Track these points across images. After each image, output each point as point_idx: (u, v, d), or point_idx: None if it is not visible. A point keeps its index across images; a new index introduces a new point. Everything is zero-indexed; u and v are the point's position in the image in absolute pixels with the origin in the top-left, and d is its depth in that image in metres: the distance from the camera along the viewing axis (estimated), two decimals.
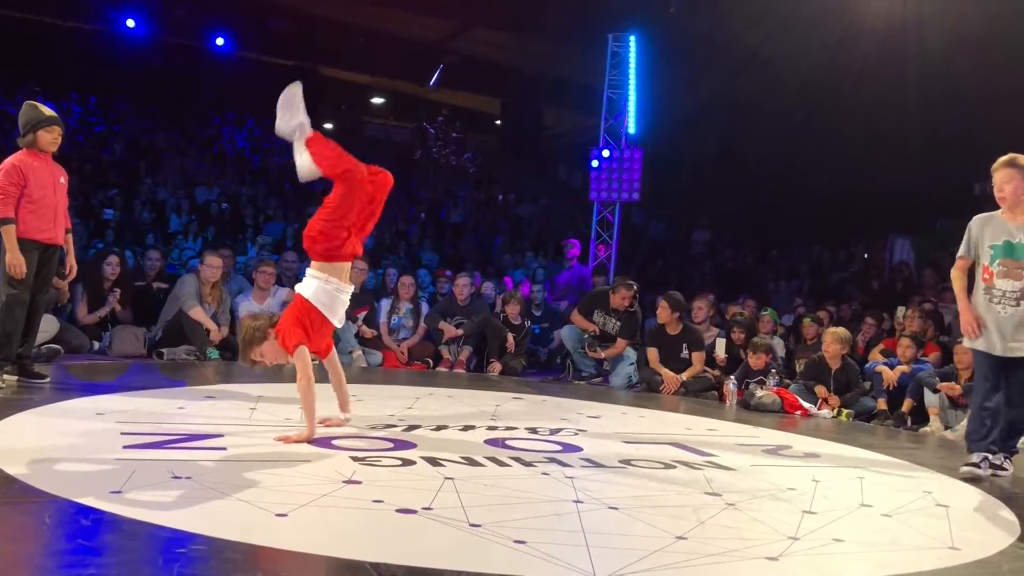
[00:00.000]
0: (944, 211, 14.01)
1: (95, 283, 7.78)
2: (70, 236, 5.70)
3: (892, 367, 7.25)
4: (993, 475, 4.51)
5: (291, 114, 4.45)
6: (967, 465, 4.58)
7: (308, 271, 4.36)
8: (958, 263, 4.76)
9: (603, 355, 8.37)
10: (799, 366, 7.92)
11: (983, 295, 4.62)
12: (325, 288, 4.27)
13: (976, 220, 4.73)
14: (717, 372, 8.04)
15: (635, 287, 8.51)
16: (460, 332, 8.53)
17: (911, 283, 11.85)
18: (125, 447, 3.73)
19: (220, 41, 18.40)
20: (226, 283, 8.34)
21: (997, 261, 4.58)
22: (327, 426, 4.44)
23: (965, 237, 4.74)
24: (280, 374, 6.94)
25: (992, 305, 4.57)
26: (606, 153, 12.81)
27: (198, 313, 7.57)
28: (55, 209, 5.37)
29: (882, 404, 7.15)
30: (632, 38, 12.99)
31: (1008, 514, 3.77)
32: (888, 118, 13.68)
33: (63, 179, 5.49)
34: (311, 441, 4.09)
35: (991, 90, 12.19)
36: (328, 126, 23.42)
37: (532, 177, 21.50)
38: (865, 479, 4.32)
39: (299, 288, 4.34)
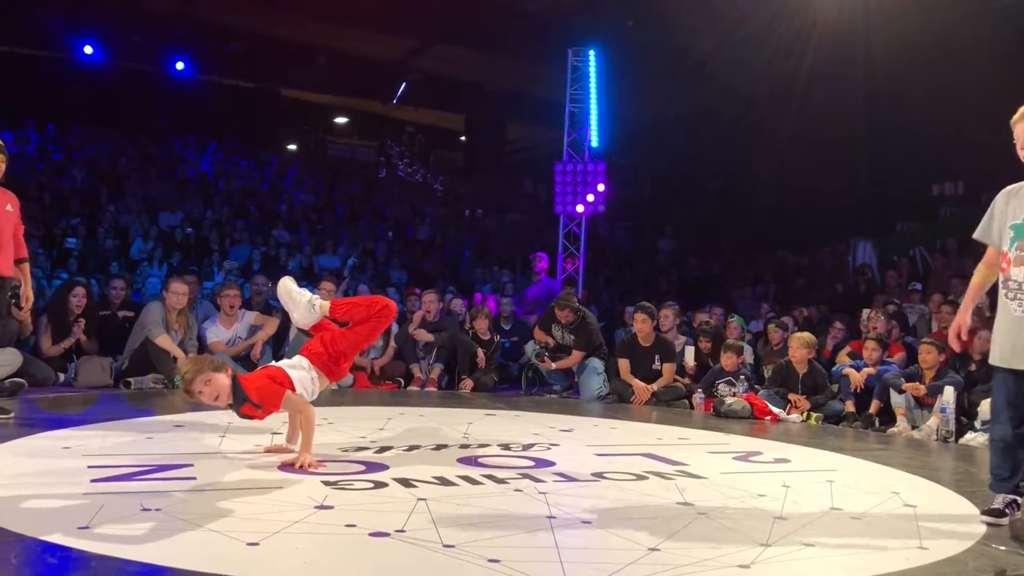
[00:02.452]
0: (903, 213, 14.27)
1: (60, 314, 7.67)
2: (26, 265, 5.59)
3: (858, 369, 7.34)
4: None
5: (296, 304, 4.67)
6: (989, 514, 3.60)
7: (300, 359, 4.46)
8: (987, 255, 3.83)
9: (554, 366, 8.44)
10: (767, 372, 8.00)
11: (1000, 290, 3.66)
12: (307, 380, 4.40)
13: (1002, 194, 3.76)
14: (687, 380, 8.10)
15: (564, 301, 8.58)
16: (431, 337, 8.52)
17: (874, 285, 12.02)
18: (93, 480, 3.68)
19: (180, 65, 18.31)
20: (192, 309, 8.27)
21: (1015, 244, 3.63)
22: (275, 452, 4.46)
23: (987, 215, 3.80)
24: None
25: (1008, 302, 3.61)
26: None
27: (165, 341, 7.48)
28: (0, 238, 5.27)
29: (850, 406, 7.22)
30: (592, 52, 13.12)
31: (974, 511, 3.83)
32: (845, 123, 13.93)
33: (10, 207, 5.38)
34: (282, 466, 4.09)
35: (945, 93, 12.43)
36: (291, 147, 23.38)
37: (498, 192, 21.56)
38: (835, 482, 4.37)
39: (285, 365, 4.42)
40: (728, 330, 8.72)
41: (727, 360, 7.72)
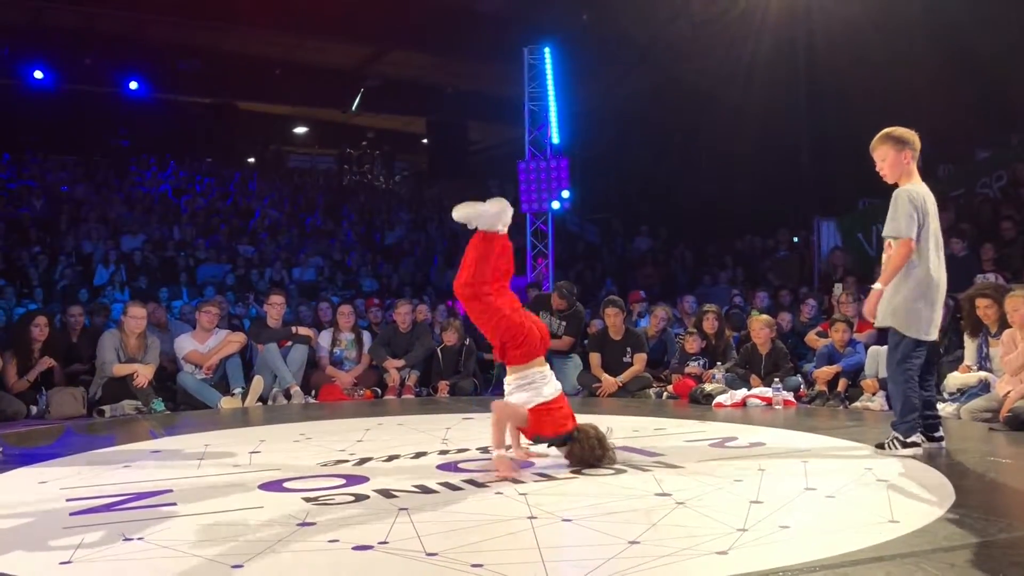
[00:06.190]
0: (864, 191, 14.45)
1: (23, 347, 7.58)
2: None
3: (829, 355, 7.46)
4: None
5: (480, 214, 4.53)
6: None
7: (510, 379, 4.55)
8: None
9: None
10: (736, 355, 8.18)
11: None
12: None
13: None
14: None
15: (564, 289, 8.73)
16: (402, 363, 8.55)
17: (843, 263, 12.17)
18: (72, 514, 3.66)
19: (134, 85, 18.15)
20: (167, 333, 8.29)
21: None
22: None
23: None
24: (226, 421, 6.88)
25: None
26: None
27: (121, 369, 7.47)
28: None
29: (821, 385, 7.36)
30: (547, 50, 13.18)
31: (944, 481, 3.93)
32: (798, 104, 14.12)
33: None
34: (261, 486, 4.11)
35: (900, 67, 12.62)
36: (251, 160, 23.24)
37: (464, 193, 21.54)
38: (809, 463, 4.46)
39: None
40: (705, 321, 8.74)
41: (690, 343, 8.04)
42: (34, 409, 7.34)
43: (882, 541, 2.99)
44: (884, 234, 4.62)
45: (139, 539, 3.21)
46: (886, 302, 4.61)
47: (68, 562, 2.95)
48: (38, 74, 17.09)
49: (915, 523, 3.21)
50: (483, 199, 4.64)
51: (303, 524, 3.39)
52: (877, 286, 4.60)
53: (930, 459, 4.49)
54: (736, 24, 13.02)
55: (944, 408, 6.25)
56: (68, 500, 3.91)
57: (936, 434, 4.79)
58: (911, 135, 4.70)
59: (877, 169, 4.74)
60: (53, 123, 17.82)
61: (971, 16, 11.15)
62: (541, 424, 4.42)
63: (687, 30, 13.37)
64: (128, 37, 17.19)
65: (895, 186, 4.76)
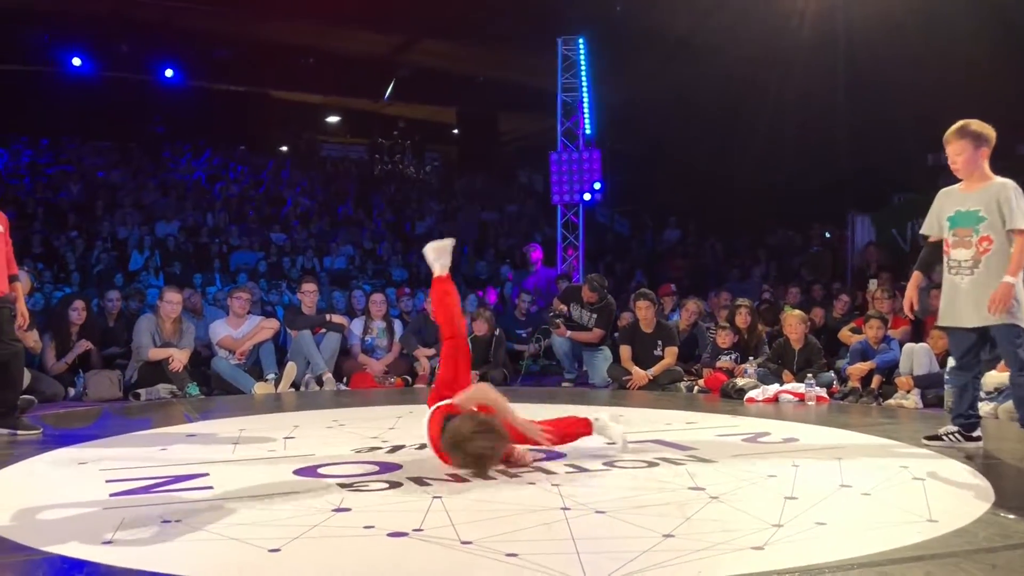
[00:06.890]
0: (900, 185, 14.27)
1: (62, 330, 7.72)
2: (18, 284, 5.57)
3: (863, 352, 7.39)
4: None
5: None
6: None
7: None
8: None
9: (568, 334, 8.66)
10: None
11: (944, 267, 4.69)
12: None
13: (940, 194, 4.79)
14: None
15: (595, 282, 8.74)
16: (433, 352, 8.57)
17: (877, 259, 12.05)
18: (112, 495, 3.72)
19: (169, 72, 18.30)
20: (202, 319, 8.39)
21: (951, 232, 4.63)
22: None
23: (930, 213, 4.80)
24: (260, 407, 6.95)
25: (951, 276, 4.63)
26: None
27: (157, 353, 7.56)
28: None
29: (855, 382, 7.29)
30: (581, 40, 13.12)
31: (982, 481, 3.89)
32: (835, 98, 13.94)
33: (1, 227, 5.41)
34: (296, 471, 4.14)
35: (940, 60, 12.42)
36: (284, 148, 23.38)
37: (494, 184, 21.56)
38: (844, 460, 4.42)
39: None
40: (738, 315, 8.66)
41: (722, 338, 7.98)
42: (72, 391, 7.47)
43: (921, 540, 2.96)
44: (1012, 227, 4.42)
45: (177, 521, 3.25)
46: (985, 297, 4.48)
47: (109, 542, 3.00)
48: (76, 61, 17.29)
49: (954, 523, 3.17)
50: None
51: (338, 510, 3.41)
52: (1010, 279, 4.40)
53: (968, 459, 4.44)
54: (774, 16, 12.86)
55: (982, 407, 6.15)
56: (107, 481, 3.98)
57: (974, 434, 4.74)
58: (989, 130, 4.58)
59: (949, 163, 4.67)
60: (90, 109, 18.01)
61: (1016, 3, 10.92)
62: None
63: (723, 22, 13.21)
64: (163, 25, 17.31)
65: (942, 180, 4.75)
